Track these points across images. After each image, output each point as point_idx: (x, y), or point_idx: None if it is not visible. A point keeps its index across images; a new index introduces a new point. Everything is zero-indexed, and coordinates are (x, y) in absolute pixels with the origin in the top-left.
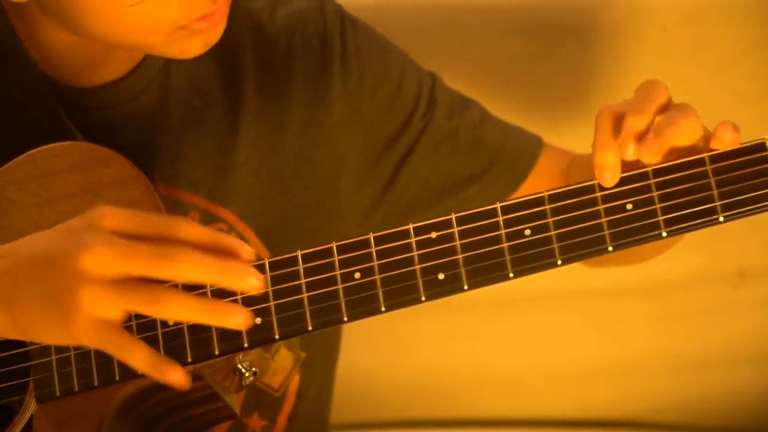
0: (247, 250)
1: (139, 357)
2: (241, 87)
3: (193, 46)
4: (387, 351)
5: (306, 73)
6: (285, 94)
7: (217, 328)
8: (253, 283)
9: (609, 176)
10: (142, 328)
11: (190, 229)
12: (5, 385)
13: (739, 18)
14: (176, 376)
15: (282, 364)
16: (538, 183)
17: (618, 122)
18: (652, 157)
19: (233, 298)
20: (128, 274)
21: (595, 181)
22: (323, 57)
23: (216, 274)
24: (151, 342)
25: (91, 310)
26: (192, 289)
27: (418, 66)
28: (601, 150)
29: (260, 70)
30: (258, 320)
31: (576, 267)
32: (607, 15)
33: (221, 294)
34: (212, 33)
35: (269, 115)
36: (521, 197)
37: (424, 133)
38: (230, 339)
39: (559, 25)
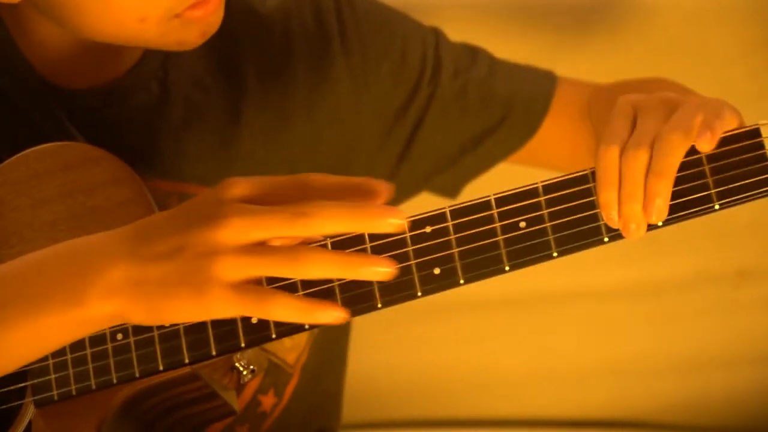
0: (385, 188)
1: (282, 308)
2: (242, 78)
3: (190, 36)
4: (389, 352)
5: (305, 56)
6: (286, 80)
7: (213, 329)
8: (395, 223)
9: (629, 225)
10: (137, 330)
11: (319, 180)
12: (3, 390)
13: (739, 18)
14: (331, 316)
15: (298, 341)
16: (558, 123)
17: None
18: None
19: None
20: (264, 240)
21: (588, 171)
22: (321, 38)
23: (356, 222)
24: (147, 343)
25: (226, 278)
26: None
27: (420, 26)
28: (604, 189)
29: (259, 59)
30: (254, 319)
31: (576, 267)
32: (608, 15)
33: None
34: (208, 21)
35: (273, 103)
36: (515, 189)
37: (433, 99)
38: (227, 339)
39: (560, 25)
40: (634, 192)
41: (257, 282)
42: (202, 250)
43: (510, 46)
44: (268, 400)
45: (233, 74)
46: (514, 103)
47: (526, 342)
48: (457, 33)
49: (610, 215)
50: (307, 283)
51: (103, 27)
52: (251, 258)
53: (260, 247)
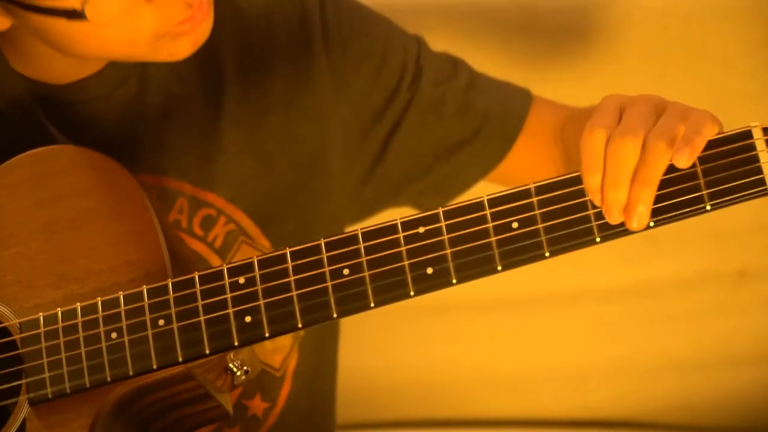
0: None
1: None
2: (222, 72)
3: (181, 47)
4: (388, 352)
5: (286, 52)
6: (266, 76)
7: (207, 328)
8: None
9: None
10: (131, 329)
11: None
12: None
13: (739, 18)
14: None
15: (281, 343)
16: (530, 142)
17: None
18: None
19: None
20: None
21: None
22: (303, 35)
23: None
24: (141, 342)
25: None
26: None
27: (403, 33)
28: (588, 174)
29: (240, 54)
30: (248, 319)
31: (576, 267)
32: (608, 15)
33: None
34: (198, 32)
35: (252, 98)
36: (508, 190)
37: (411, 104)
38: (220, 338)
39: (560, 25)
40: (617, 180)
41: None
42: None
43: (509, 46)
44: (255, 404)
45: (214, 68)
46: (489, 117)
47: (526, 342)
48: (457, 33)
49: (596, 198)
50: (300, 284)
51: (92, 51)
52: None
53: None
